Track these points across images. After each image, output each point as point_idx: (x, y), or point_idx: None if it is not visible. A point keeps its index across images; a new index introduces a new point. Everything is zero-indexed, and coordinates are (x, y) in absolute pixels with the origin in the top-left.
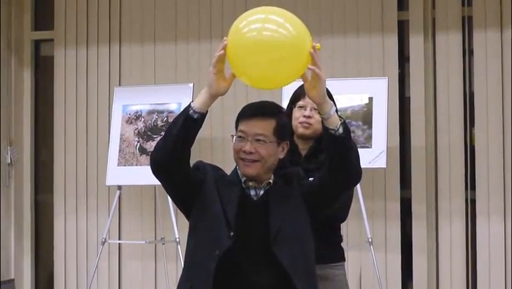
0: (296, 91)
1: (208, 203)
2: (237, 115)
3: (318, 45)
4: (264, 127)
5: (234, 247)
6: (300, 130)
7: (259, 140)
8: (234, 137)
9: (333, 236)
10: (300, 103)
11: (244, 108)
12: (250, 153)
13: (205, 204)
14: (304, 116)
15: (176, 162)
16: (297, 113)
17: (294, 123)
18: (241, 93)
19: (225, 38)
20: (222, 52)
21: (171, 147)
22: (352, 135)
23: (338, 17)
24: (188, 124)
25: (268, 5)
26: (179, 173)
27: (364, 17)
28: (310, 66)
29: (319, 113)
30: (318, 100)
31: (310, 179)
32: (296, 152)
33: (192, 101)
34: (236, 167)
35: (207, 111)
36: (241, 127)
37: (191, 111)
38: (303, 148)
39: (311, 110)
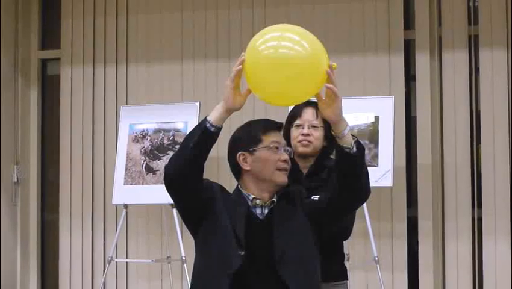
0: (291, 110)
1: (219, 221)
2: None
3: (334, 64)
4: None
5: (244, 266)
6: (300, 149)
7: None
8: (263, 150)
9: (337, 254)
10: (298, 122)
11: (264, 122)
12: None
13: (216, 221)
14: (302, 134)
15: (190, 176)
16: (295, 132)
17: (293, 142)
18: (248, 113)
19: (243, 53)
20: (240, 67)
21: (186, 160)
22: None
23: (344, 37)
24: (205, 137)
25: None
26: (192, 188)
27: (370, 36)
28: (328, 85)
29: (333, 131)
30: (334, 119)
31: (313, 197)
32: (297, 170)
33: (207, 115)
34: (238, 186)
35: (222, 126)
36: (273, 138)
37: (208, 124)
38: (303, 166)
39: (308, 128)
